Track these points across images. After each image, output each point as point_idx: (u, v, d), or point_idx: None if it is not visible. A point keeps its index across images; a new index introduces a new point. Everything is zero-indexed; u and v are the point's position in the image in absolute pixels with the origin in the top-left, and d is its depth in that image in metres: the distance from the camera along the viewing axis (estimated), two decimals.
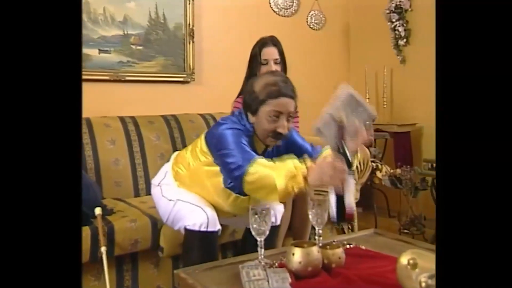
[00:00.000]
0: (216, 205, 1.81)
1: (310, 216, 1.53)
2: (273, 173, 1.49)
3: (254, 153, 1.60)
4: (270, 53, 2.31)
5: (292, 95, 1.66)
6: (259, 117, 1.66)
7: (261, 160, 1.56)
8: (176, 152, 2.03)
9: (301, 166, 1.48)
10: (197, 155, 1.80)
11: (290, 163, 1.50)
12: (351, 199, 1.42)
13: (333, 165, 1.41)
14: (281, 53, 2.34)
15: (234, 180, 1.60)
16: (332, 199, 1.43)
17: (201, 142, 1.78)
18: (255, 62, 2.32)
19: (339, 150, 1.44)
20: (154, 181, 1.97)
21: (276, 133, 1.66)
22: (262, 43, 2.33)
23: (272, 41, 2.34)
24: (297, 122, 2.45)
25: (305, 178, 1.47)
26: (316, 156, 1.70)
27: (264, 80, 1.68)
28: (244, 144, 1.62)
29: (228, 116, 1.77)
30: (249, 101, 1.69)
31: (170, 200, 1.83)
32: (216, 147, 1.65)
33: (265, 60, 2.30)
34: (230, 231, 2.02)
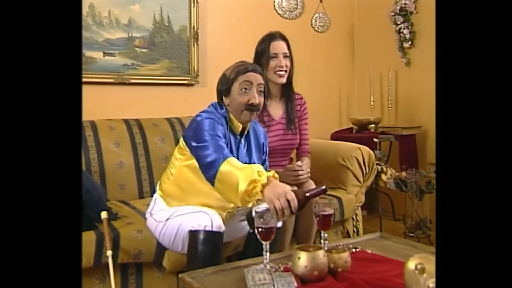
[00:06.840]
0: (209, 204, 1.80)
1: (316, 220, 1.52)
2: (240, 175, 1.52)
3: (227, 149, 1.66)
4: (280, 46, 2.25)
5: (260, 72, 1.81)
6: (232, 95, 1.79)
7: (232, 159, 1.60)
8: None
9: (263, 176, 1.49)
10: (176, 158, 1.85)
11: (256, 168, 1.52)
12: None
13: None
14: (289, 48, 2.29)
15: (208, 176, 1.63)
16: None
17: (179, 144, 1.84)
18: (264, 56, 2.23)
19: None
20: (147, 212, 1.95)
21: (249, 105, 1.76)
22: (270, 37, 2.27)
23: (280, 35, 2.29)
24: (306, 124, 2.43)
25: (262, 188, 1.48)
26: None
27: (233, 66, 1.84)
28: (219, 137, 1.68)
29: (205, 109, 1.83)
30: (221, 86, 1.83)
31: (166, 220, 1.81)
32: (193, 139, 1.70)
33: (275, 53, 2.23)
34: (234, 245, 1.98)
